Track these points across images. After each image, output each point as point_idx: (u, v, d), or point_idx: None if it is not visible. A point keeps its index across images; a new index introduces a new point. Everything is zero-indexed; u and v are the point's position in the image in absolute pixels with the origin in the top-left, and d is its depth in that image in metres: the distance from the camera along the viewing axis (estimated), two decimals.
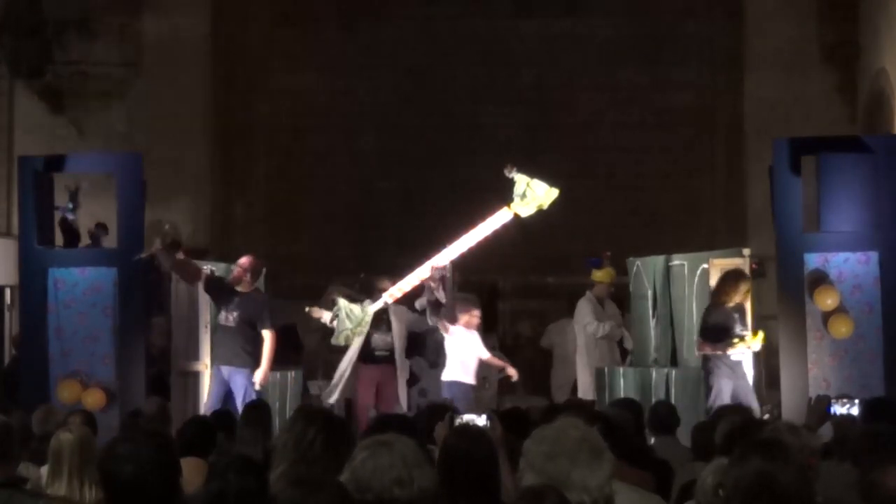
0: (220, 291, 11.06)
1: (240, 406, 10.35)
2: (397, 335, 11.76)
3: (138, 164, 11.11)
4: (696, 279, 11.30)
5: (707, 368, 10.49)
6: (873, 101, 14.62)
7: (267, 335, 10.89)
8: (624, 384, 11.89)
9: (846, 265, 10.28)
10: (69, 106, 15.42)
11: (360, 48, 16.73)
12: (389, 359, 11.73)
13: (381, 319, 11.71)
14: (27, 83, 15.46)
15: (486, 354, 12.10)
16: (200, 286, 11.17)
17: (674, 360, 11.73)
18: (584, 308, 13.01)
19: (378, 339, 11.70)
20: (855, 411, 7.04)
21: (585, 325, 12.99)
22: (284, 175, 16.72)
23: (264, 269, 11.38)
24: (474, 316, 12.02)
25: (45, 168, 11.17)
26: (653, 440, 8.05)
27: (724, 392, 10.28)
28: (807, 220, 10.47)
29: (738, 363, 10.44)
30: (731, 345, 10.30)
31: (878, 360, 10.11)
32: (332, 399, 11.57)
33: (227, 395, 10.82)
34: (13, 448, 5.76)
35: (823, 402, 7.15)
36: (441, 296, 11.65)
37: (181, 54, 15.75)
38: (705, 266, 11.13)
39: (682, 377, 11.34)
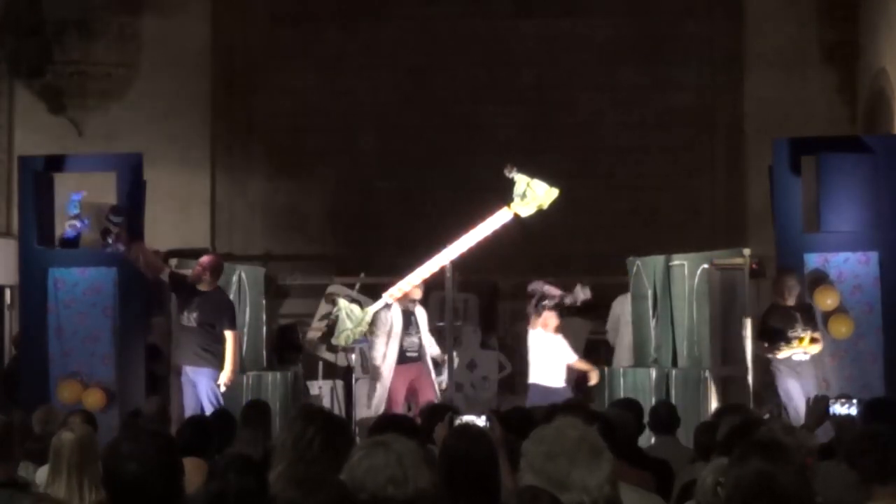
0: (182, 290, 10.83)
1: (206, 407, 10.28)
2: (424, 335, 11.79)
3: (138, 164, 11.11)
4: (696, 279, 11.30)
5: (771, 371, 10.41)
6: (873, 101, 14.62)
7: (228, 335, 10.68)
8: (624, 384, 11.88)
9: (846, 265, 10.29)
10: (69, 106, 15.43)
11: (360, 48, 16.72)
12: (418, 359, 11.74)
13: (409, 322, 11.73)
14: (27, 83, 15.46)
15: (571, 358, 12.15)
16: (167, 283, 10.98)
17: (674, 361, 11.73)
18: (613, 307, 13.12)
19: (407, 341, 11.73)
20: (854, 411, 7.04)
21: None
22: (284, 175, 16.71)
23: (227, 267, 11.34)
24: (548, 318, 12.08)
25: (45, 168, 11.19)
26: (653, 440, 8.05)
27: (791, 392, 10.12)
28: (807, 220, 10.48)
29: (801, 363, 10.26)
30: (779, 348, 10.15)
31: (879, 360, 10.12)
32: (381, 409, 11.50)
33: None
34: (14, 448, 5.76)
35: (822, 403, 7.13)
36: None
37: (181, 54, 15.77)
38: (705, 266, 11.13)
39: (682, 377, 11.34)
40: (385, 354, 11.56)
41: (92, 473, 5.37)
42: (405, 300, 11.69)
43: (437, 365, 11.86)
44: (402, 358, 11.66)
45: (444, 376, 11.83)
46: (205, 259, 10.97)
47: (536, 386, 11.95)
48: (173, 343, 11.12)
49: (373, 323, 11.53)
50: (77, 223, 11.19)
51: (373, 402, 11.59)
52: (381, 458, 3.79)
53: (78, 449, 5.41)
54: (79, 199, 11.26)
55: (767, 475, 3.64)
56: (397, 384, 11.62)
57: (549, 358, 11.99)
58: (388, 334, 11.53)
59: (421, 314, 11.88)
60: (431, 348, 11.91)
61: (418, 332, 11.74)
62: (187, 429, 7.27)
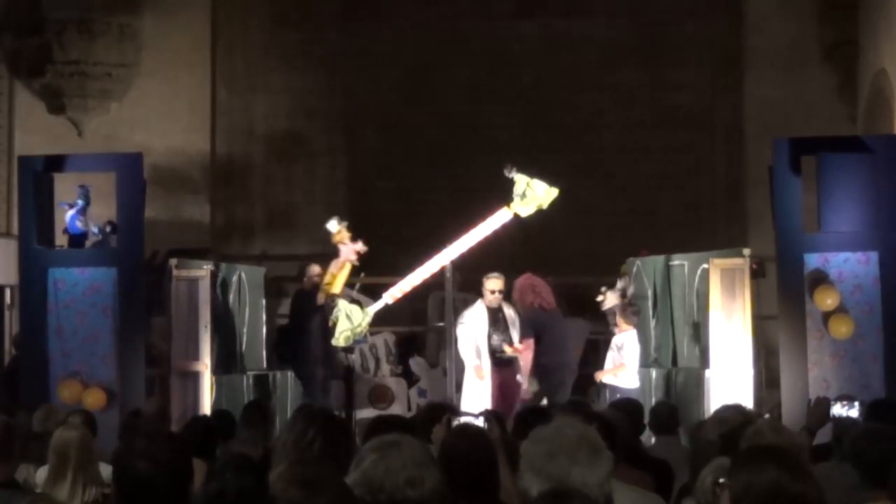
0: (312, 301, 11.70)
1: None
2: (515, 334, 11.64)
3: (138, 164, 11.10)
4: (696, 279, 11.29)
5: None
6: (873, 101, 14.62)
7: None
8: None
9: (846, 265, 10.27)
10: (69, 106, 15.42)
11: (360, 48, 16.73)
12: (510, 361, 11.63)
13: (497, 320, 11.64)
14: (27, 83, 15.45)
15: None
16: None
17: (674, 360, 11.73)
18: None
19: (497, 340, 11.63)
20: (855, 413, 7.03)
21: None
22: (284, 175, 16.72)
23: None
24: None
25: (45, 168, 11.16)
26: (653, 440, 8.05)
27: None
28: (807, 220, 10.46)
29: None
30: None
31: (879, 361, 10.11)
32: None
33: None
34: (14, 448, 5.75)
35: (823, 404, 7.12)
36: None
37: (181, 54, 15.76)
38: (705, 266, 11.12)
39: (683, 377, 11.34)
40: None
41: (92, 472, 5.38)
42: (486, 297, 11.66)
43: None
44: (494, 361, 11.59)
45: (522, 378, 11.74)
46: (319, 268, 11.88)
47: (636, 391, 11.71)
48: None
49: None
50: (79, 210, 11.21)
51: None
52: (397, 459, 3.80)
53: (83, 448, 5.40)
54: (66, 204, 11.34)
55: (785, 485, 3.62)
56: (494, 386, 11.50)
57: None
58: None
59: (509, 312, 11.77)
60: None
61: (507, 330, 11.61)
62: (189, 429, 7.27)
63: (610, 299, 12.16)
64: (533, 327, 11.50)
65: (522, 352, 11.65)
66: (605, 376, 11.99)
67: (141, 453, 3.73)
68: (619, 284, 12.33)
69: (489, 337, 11.57)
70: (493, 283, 11.72)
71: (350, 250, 11.45)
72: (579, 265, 14.47)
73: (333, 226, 11.55)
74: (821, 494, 3.69)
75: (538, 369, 11.62)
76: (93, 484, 5.35)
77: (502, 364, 11.59)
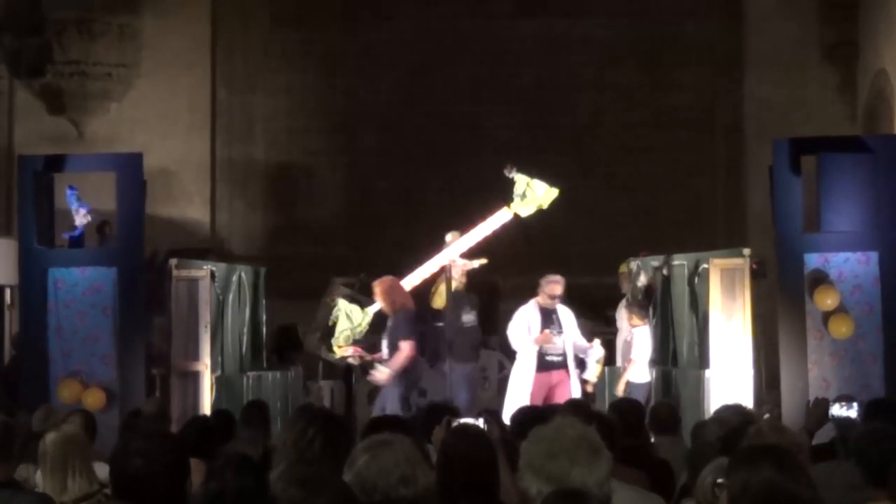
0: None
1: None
2: (568, 337, 11.38)
3: (138, 164, 11.10)
4: (697, 279, 11.29)
5: None
6: (873, 101, 14.63)
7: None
8: None
9: (846, 265, 10.27)
10: (69, 106, 15.43)
11: (360, 48, 16.72)
12: (563, 363, 11.36)
13: (551, 322, 11.36)
14: (27, 83, 15.46)
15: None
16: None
17: (674, 360, 11.73)
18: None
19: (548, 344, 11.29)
20: (854, 413, 7.03)
21: None
22: (284, 175, 16.72)
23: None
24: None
25: (45, 168, 11.16)
26: (653, 440, 8.05)
27: None
28: (807, 220, 10.46)
29: None
30: None
31: (879, 361, 10.11)
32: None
33: None
34: (14, 448, 5.75)
35: (823, 405, 7.13)
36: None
37: (181, 54, 15.77)
38: (705, 266, 11.13)
39: (682, 377, 11.34)
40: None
41: (77, 468, 5.35)
42: (544, 298, 11.34)
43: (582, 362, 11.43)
44: (543, 363, 11.26)
45: (589, 372, 11.46)
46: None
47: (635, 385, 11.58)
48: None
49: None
50: (82, 210, 11.18)
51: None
52: (390, 458, 3.81)
53: (60, 446, 5.39)
54: (75, 193, 11.28)
55: (780, 485, 3.62)
56: (536, 392, 11.17)
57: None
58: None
59: (568, 315, 11.51)
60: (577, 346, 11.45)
61: (561, 333, 11.32)
62: (189, 429, 7.27)
63: (641, 280, 12.06)
64: (413, 328, 11.36)
65: (377, 357, 11.64)
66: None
67: (137, 452, 3.73)
68: (643, 278, 12.23)
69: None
70: (559, 288, 11.42)
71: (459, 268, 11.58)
72: (579, 265, 14.45)
73: (448, 238, 11.65)
74: (816, 494, 3.69)
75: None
76: (79, 479, 5.33)
77: (550, 366, 11.36)
